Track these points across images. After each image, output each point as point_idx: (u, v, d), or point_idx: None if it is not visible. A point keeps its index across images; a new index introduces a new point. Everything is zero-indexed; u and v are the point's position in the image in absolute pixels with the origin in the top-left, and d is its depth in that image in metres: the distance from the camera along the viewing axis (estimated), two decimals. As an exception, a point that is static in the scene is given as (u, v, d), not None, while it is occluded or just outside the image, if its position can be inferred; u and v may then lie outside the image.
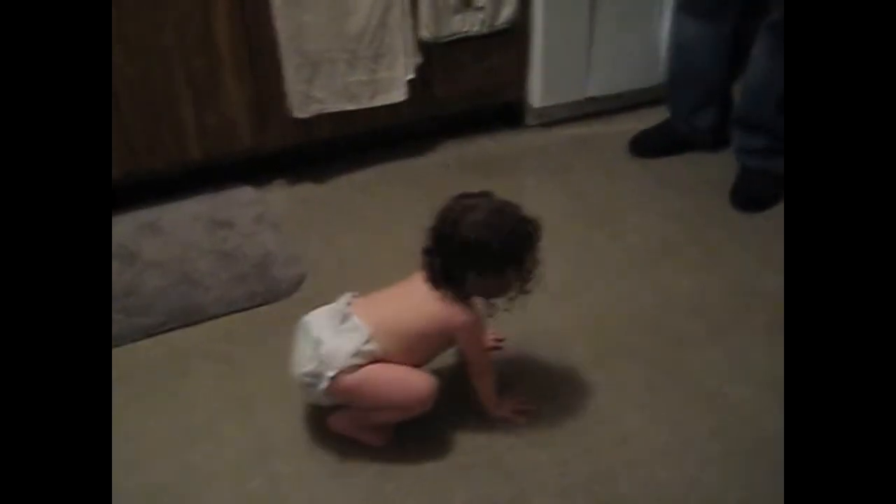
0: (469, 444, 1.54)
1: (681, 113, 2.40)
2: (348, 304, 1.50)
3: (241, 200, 2.19)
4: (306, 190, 2.27)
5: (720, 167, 2.33)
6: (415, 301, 1.48)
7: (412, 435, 1.54)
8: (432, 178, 2.31)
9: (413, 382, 1.46)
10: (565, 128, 2.54)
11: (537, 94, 2.47)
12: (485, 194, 1.48)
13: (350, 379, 1.43)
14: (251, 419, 1.59)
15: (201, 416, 1.59)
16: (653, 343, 1.77)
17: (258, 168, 2.29)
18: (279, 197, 2.24)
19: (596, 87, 2.53)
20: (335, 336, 1.44)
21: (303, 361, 1.45)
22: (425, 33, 2.24)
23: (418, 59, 2.25)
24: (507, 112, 2.55)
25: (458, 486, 1.47)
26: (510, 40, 2.38)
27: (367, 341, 1.43)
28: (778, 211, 2.19)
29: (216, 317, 1.83)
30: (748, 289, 1.93)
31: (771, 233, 2.11)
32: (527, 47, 2.42)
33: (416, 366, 1.48)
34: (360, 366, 1.43)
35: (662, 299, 1.89)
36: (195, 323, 1.81)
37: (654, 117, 2.48)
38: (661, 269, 1.99)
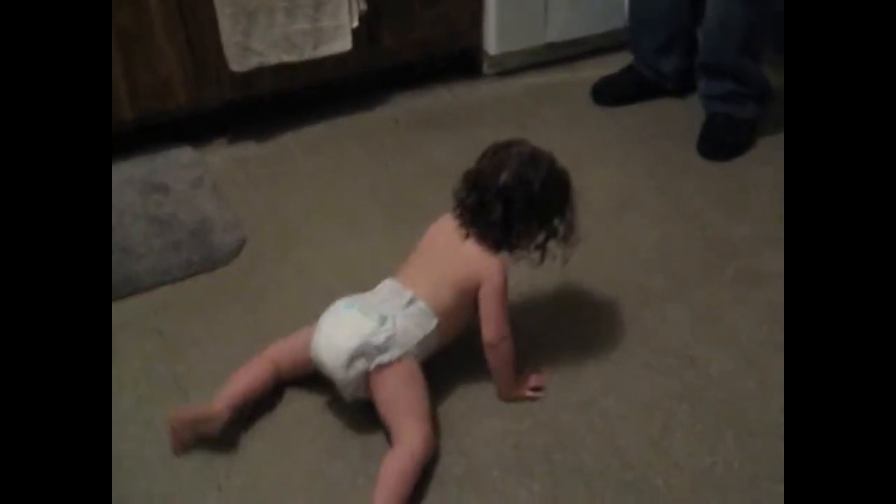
0: (418, 418, 1.44)
1: (644, 57, 2.29)
2: (403, 286, 1.41)
3: (178, 162, 2.06)
4: (247, 149, 2.13)
5: (687, 114, 2.22)
6: (457, 256, 1.42)
7: (357, 410, 1.43)
8: (382, 134, 2.18)
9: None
10: (524, 76, 2.42)
11: (493, 40, 2.34)
12: (520, 141, 1.45)
13: (409, 367, 1.36)
14: (184, 400, 1.47)
15: (129, 398, 1.47)
16: (615, 301, 1.67)
17: (196, 127, 2.14)
18: (219, 158, 2.10)
19: (556, 31, 2.40)
20: (404, 318, 1.37)
21: (358, 332, 1.34)
22: (370, -24, 2.09)
23: (363, 6, 2.10)
24: (462, 61, 2.41)
25: (407, 462, 1.38)
26: (463, -18, 2.24)
27: (434, 329, 1.39)
28: (746, 159, 2.09)
29: (149, 288, 1.70)
30: (715, 240, 1.84)
31: (739, 182, 2.02)
32: (481, -10, 2.28)
33: (450, 341, 1.45)
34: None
35: (626, 254, 1.79)
36: (126, 296, 1.68)
37: (617, 63, 2.36)
38: (625, 223, 1.89)
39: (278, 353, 1.46)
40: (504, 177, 1.38)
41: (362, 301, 1.40)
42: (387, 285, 1.44)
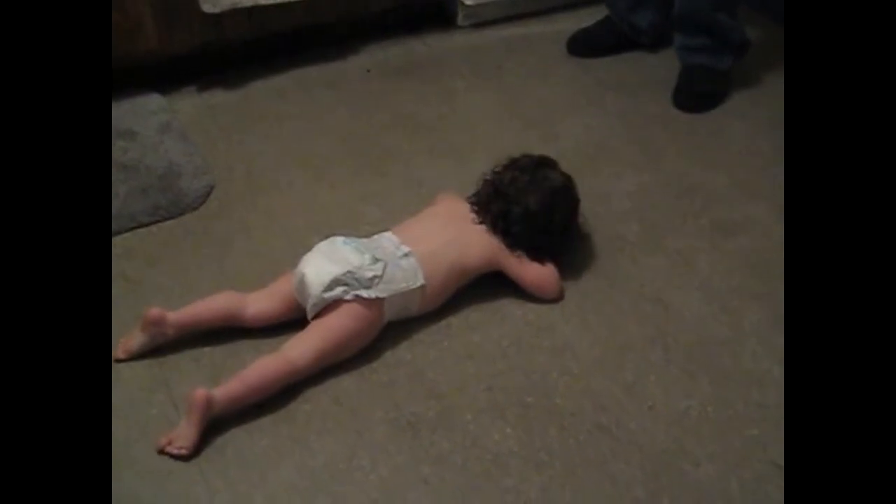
0: (389, 359, 1.43)
1: (620, 11, 2.25)
2: (400, 241, 1.46)
3: (145, 108, 2.00)
4: (217, 96, 2.08)
5: (662, 67, 2.20)
6: (463, 235, 1.51)
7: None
8: (353, 84, 2.14)
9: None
10: (500, 28, 2.37)
11: (469, -9, 2.30)
12: (553, 165, 1.60)
13: (375, 313, 1.40)
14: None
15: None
16: (589, 248, 1.66)
17: (164, 76, 2.08)
18: (187, 105, 2.04)
19: (532, -18, 2.36)
20: (395, 266, 1.42)
21: (349, 262, 1.39)
22: (345, -80, 2.04)
23: (339, -53, 2.05)
24: (437, 11, 2.36)
25: (379, 406, 1.36)
26: (439, -71, 2.19)
27: (419, 289, 1.43)
28: (720, 111, 2.08)
29: (115, 234, 1.65)
30: (690, 190, 1.83)
31: (713, 133, 2.01)
32: (457, -63, 2.24)
33: (428, 310, 1.49)
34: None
35: (600, 202, 1.77)
36: (91, 241, 1.64)
37: (593, 16, 2.32)
38: (599, 172, 1.87)
39: (258, 293, 1.46)
40: (532, 204, 1.51)
41: (359, 241, 1.45)
42: (385, 237, 1.48)
